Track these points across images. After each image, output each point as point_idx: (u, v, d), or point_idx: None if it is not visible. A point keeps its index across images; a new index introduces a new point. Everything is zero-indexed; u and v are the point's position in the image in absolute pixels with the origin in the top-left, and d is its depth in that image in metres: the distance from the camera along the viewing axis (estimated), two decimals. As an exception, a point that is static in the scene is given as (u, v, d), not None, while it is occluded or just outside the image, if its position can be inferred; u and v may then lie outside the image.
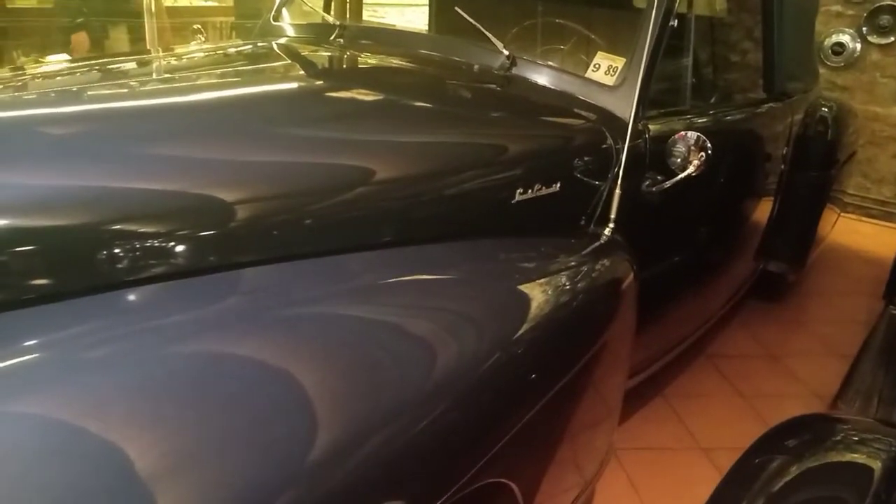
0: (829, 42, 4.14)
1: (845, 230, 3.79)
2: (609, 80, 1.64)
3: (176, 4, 4.25)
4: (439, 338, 1.02)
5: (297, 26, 2.14)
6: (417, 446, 0.90)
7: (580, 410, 1.33)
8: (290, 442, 0.79)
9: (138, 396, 0.77)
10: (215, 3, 4.84)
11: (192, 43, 2.51)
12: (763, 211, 2.42)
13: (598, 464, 1.52)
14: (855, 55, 4.14)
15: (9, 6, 3.96)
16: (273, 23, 2.14)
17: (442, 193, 1.32)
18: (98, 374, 0.79)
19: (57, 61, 2.55)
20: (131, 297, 0.95)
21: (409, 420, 0.90)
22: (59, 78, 1.60)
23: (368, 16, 3.48)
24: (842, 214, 3.50)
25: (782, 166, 2.42)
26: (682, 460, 2.03)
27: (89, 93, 1.43)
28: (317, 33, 2.08)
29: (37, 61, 2.87)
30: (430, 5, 2.85)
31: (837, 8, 4.11)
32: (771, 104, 2.23)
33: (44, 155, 1.04)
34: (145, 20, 2.94)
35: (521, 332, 1.12)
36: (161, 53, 2.27)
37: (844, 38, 4.13)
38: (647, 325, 1.64)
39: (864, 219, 4.32)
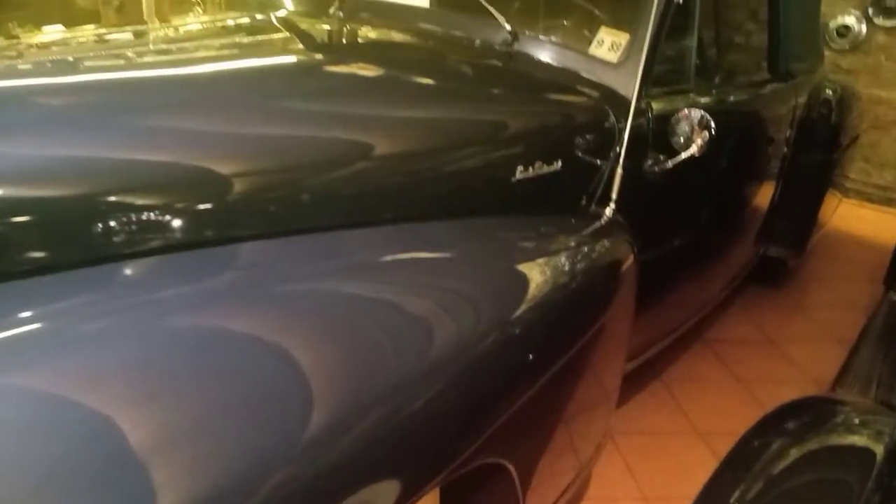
0: (834, 24, 4.10)
1: (846, 215, 3.77)
2: (612, 57, 1.61)
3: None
4: (436, 317, 1.01)
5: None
6: (413, 425, 0.90)
7: (577, 393, 1.32)
8: (285, 418, 0.79)
9: (133, 370, 0.76)
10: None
11: (190, 15, 2.47)
12: (765, 194, 2.40)
13: (595, 447, 1.51)
14: (860, 38, 4.10)
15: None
16: (272, -4, 2.10)
17: (441, 170, 1.30)
18: (93, 346, 0.78)
19: (53, 31, 2.52)
20: (127, 270, 0.94)
21: (404, 399, 0.89)
22: (54, 48, 1.58)
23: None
24: (843, 199, 3.48)
25: (785, 148, 2.40)
26: (679, 445, 2.02)
27: (85, 63, 1.40)
28: (316, 6, 2.04)
29: (33, 32, 2.84)
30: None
31: (844, -11, 4.07)
32: (775, 84, 2.20)
33: (39, 125, 1.02)
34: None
35: (518, 312, 1.11)
36: (158, 25, 2.24)
37: (850, 20, 4.09)
38: (646, 308, 1.63)
39: (865, 204, 4.30)
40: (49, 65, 1.38)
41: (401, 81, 1.54)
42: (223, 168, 1.05)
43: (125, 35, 1.84)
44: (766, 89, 2.19)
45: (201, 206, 1.02)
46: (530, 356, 1.12)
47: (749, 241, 2.48)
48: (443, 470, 0.94)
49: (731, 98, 2.00)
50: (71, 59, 1.44)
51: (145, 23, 3.31)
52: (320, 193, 1.13)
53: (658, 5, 1.55)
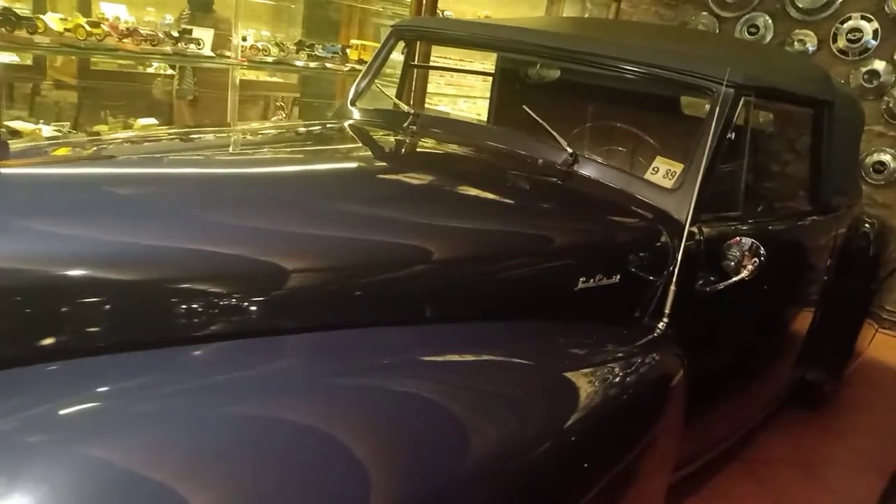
0: (870, 160, 4.25)
1: (882, 345, 3.78)
2: (667, 183, 1.73)
3: (245, 77, 4.49)
4: (484, 420, 1.05)
5: (371, 111, 2.27)
6: None
7: None
8: None
9: (184, 452, 0.83)
10: (280, 80, 5.09)
11: (273, 118, 2.67)
12: (805, 319, 2.46)
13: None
14: (895, 174, 4.23)
15: (92, 69, 4.22)
16: (349, 107, 2.27)
17: (509, 275, 1.40)
18: (149, 426, 0.85)
19: (147, 126, 2.74)
20: (188, 354, 1.02)
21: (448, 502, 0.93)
22: (146, 144, 1.73)
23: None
24: (878, 329, 3.51)
25: (825, 277, 2.47)
26: (716, 562, 2.01)
27: (168, 158, 1.54)
28: (390, 119, 2.20)
29: (125, 124, 3.07)
30: (491, 100, 3.00)
31: (880, 128, 4.23)
32: (817, 217, 2.31)
33: (120, 213, 1.13)
34: (229, 93, 3.16)
35: (570, 418, 1.15)
36: (241, 127, 2.41)
37: (886, 157, 4.23)
38: (689, 423, 1.67)
39: (900, 335, 4.31)
40: (136, 158, 1.50)
41: (472, 192, 1.66)
42: (286, 263, 1.14)
43: (208, 135, 2.00)
44: (809, 221, 2.29)
45: (262, 297, 1.09)
46: (576, 465, 1.15)
47: (789, 364, 2.52)
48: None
49: (777, 227, 2.10)
50: (156, 154, 1.58)
51: (221, 121, 3.55)
52: (381, 290, 1.22)
53: (713, 139, 1.67)
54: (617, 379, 1.31)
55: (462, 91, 4.52)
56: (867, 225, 2.81)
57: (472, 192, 1.67)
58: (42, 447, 0.80)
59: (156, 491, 0.78)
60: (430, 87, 3.81)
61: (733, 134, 1.75)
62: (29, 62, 4.18)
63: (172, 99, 4.50)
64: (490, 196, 1.68)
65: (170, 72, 4.58)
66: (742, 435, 2.41)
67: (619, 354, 1.39)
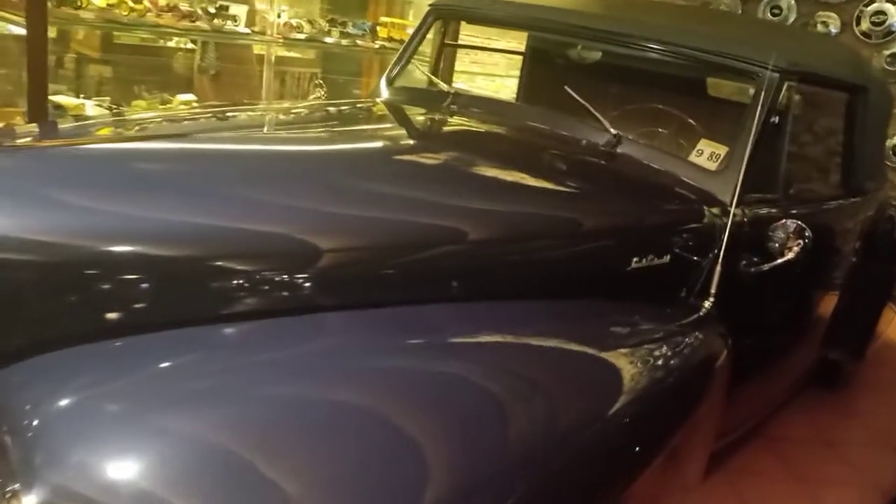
0: (890, 143, 4.26)
1: (898, 327, 3.83)
2: (711, 166, 1.76)
3: (261, 52, 4.48)
4: (533, 399, 1.07)
5: (409, 90, 2.28)
6: None
7: (661, 487, 1.36)
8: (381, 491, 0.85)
9: (235, 431, 0.85)
10: (299, 55, 5.08)
11: (311, 96, 2.69)
12: (832, 301, 2.50)
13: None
14: (915, 158, 4.25)
15: (115, 42, 4.21)
16: (387, 86, 2.29)
17: (566, 254, 1.45)
18: (198, 404, 0.88)
19: (186, 101, 2.76)
20: (230, 331, 1.04)
21: (495, 489, 0.94)
22: (186, 122, 1.76)
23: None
24: (896, 312, 3.55)
25: (853, 259, 2.51)
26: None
27: (214, 135, 1.57)
28: (429, 98, 2.22)
29: (163, 100, 3.09)
30: (521, 79, 3.01)
31: (900, 111, 4.23)
32: (850, 199, 2.34)
33: (161, 189, 1.14)
34: (264, 70, 3.17)
35: (619, 397, 1.17)
36: (282, 105, 2.42)
37: (906, 141, 4.26)
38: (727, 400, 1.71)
39: (917, 318, 4.35)
40: (172, 134, 1.52)
41: (523, 172, 1.67)
42: (341, 240, 1.17)
43: (248, 113, 2.02)
44: (842, 204, 2.32)
45: (312, 274, 1.12)
46: (621, 442, 1.17)
47: (816, 345, 2.56)
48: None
49: (813, 210, 2.13)
50: (201, 130, 1.60)
51: (244, 96, 3.56)
52: (438, 269, 1.26)
53: (758, 124, 1.70)
54: (665, 358, 1.34)
55: (486, 69, 4.53)
56: (893, 208, 2.84)
57: (520, 171, 1.69)
58: (123, 420, 0.83)
59: (230, 461, 0.81)
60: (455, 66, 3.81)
61: (776, 118, 1.78)
62: (53, 35, 4.16)
63: (193, 74, 4.48)
64: (539, 176, 1.70)
65: (190, 46, 4.55)
66: (767, 413, 2.46)
67: (668, 333, 1.42)
